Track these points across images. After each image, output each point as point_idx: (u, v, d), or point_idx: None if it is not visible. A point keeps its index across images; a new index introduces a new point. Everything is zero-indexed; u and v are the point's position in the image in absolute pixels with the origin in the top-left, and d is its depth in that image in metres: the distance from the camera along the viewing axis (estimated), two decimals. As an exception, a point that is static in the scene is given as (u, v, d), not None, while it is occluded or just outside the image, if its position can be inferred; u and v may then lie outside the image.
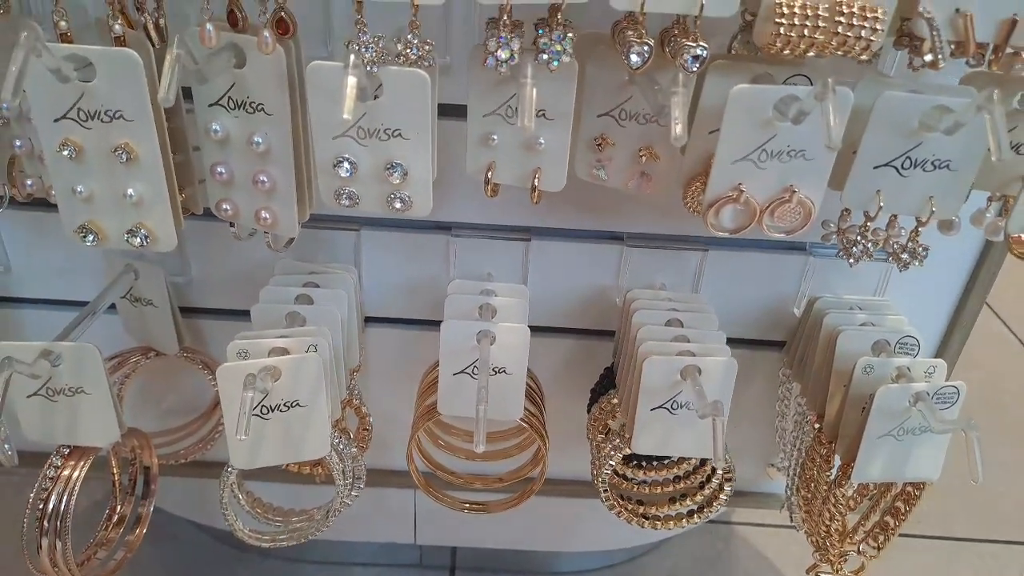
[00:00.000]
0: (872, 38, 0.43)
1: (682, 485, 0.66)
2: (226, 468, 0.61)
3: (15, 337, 0.71)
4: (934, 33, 0.43)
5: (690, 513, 0.67)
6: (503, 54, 0.45)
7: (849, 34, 0.43)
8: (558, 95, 0.49)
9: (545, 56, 0.46)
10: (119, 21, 0.46)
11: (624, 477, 0.66)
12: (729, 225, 0.51)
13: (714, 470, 0.65)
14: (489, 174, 0.53)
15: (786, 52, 0.44)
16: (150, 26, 0.48)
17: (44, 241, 0.68)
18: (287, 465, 0.69)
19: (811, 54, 0.44)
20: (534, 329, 0.59)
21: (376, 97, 0.46)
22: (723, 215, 0.50)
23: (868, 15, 0.42)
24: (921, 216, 0.51)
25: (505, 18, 0.44)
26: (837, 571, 0.68)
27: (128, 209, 0.49)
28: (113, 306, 0.68)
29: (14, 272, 0.70)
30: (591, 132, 0.53)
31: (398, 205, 0.50)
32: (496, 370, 0.59)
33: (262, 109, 0.48)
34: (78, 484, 0.60)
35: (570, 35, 0.46)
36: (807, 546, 0.70)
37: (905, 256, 0.55)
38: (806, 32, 0.43)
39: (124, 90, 0.45)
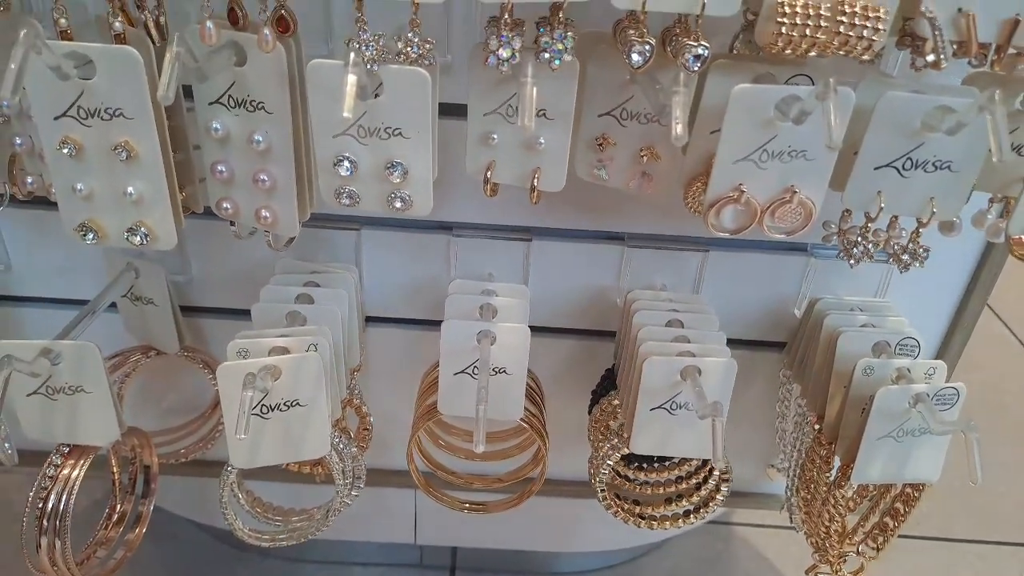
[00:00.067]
0: (874, 38, 0.43)
1: (682, 486, 0.66)
2: (226, 467, 0.61)
3: (15, 335, 0.71)
4: (936, 33, 0.43)
5: (687, 513, 0.67)
6: (504, 53, 0.45)
7: (851, 34, 0.43)
8: (559, 94, 0.49)
9: (546, 55, 0.46)
10: (119, 18, 0.46)
11: (625, 478, 0.66)
12: (730, 225, 0.51)
13: (711, 470, 0.64)
14: (488, 173, 0.53)
15: (788, 52, 0.44)
16: (150, 24, 0.48)
17: (44, 239, 0.68)
18: (287, 464, 0.69)
19: (813, 54, 0.44)
20: (535, 329, 0.59)
21: (376, 96, 0.46)
22: (724, 215, 0.50)
23: (870, 15, 0.42)
24: (922, 217, 0.51)
25: (506, 17, 0.44)
26: (836, 572, 0.68)
27: (128, 207, 0.49)
28: (113, 305, 0.68)
29: (14, 270, 0.70)
30: (592, 132, 0.53)
31: (398, 204, 0.50)
32: (496, 370, 0.59)
33: (262, 107, 0.48)
34: (78, 483, 0.60)
35: (571, 34, 0.45)
36: (807, 547, 0.70)
37: (906, 257, 0.55)
38: (808, 32, 0.42)
39: (124, 88, 0.45)
